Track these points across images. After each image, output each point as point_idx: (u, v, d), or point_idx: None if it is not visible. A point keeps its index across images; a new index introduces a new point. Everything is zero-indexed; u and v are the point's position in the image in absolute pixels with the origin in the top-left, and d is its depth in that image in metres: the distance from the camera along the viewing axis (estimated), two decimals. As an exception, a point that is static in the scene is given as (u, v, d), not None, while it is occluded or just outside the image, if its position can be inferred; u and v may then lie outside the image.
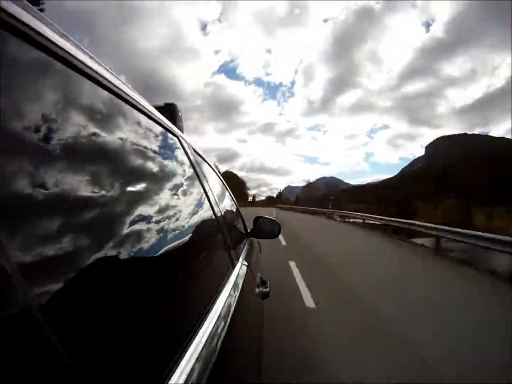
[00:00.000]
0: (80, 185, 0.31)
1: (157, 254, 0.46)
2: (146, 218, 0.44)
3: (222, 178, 1.53)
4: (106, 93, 0.42)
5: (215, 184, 1.20)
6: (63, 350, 0.22)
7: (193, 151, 0.92)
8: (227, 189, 1.57)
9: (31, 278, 0.22)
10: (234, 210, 1.60)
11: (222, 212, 1.05)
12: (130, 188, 0.43)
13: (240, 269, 0.97)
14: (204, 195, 0.84)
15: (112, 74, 0.46)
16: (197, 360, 0.41)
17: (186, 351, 0.41)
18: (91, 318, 0.27)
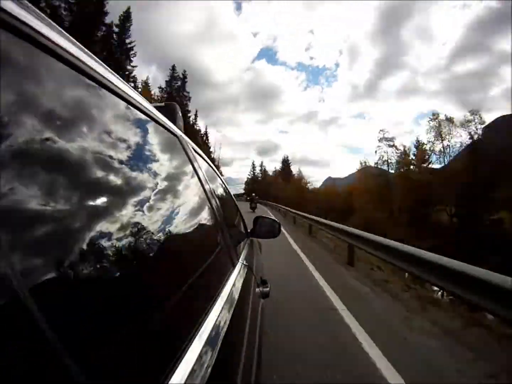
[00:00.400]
0: (79, 184, 0.31)
1: (157, 254, 0.46)
2: (145, 218, 0.44)
3: (222, 178, 1.53)
4: (106, 92, 0.42)
5: (215, 184, 1.20)
6: (63, 350, 0.22)
7: (193, 150, 0.92)
8: (227, 189, 1.57)
9: (31, 278, 0.22)
10: (234, 210, 1.60)
11: (222, 212, 1.05)
12: (129, 188, 0.43)
13: (240, 268, 0.97)
14: (204, 194, 0.84)
15: (112, 73, 0.46)
16: (197, 360, 0.41)
17: (186, 351, 0.41)
18: (91, 318, 0.27)
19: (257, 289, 1.17)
